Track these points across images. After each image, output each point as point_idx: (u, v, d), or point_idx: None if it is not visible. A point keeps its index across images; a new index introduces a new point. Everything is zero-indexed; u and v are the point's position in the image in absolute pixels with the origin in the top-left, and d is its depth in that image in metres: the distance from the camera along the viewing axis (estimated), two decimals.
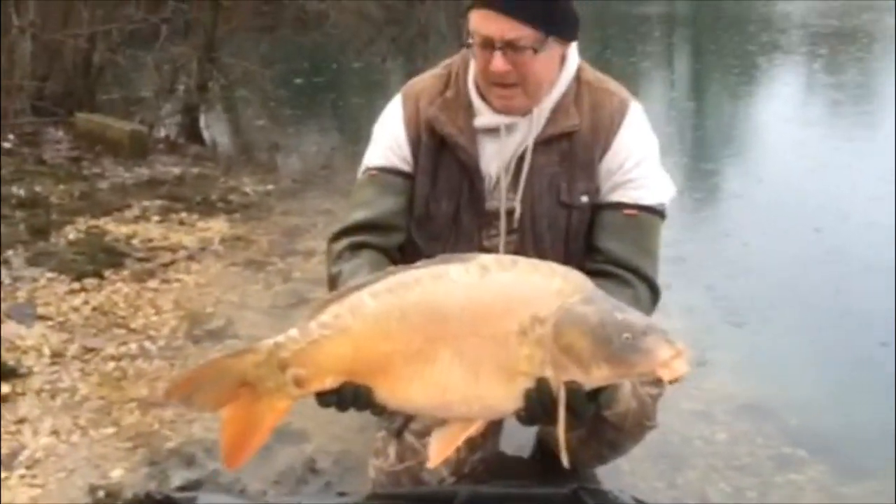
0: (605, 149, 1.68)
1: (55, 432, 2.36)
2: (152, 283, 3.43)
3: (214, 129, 6.68)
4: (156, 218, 4.23)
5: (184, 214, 4.30)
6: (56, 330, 2.98)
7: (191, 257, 3.74)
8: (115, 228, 4.03)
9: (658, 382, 1.29)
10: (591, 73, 1.75)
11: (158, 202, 4.46)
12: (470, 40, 1.62)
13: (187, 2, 6.73)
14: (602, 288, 1.28)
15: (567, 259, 1.60)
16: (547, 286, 1.20)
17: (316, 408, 1.29)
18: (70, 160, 5.23)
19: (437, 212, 1.72)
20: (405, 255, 1.73)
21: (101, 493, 2.07)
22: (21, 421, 2.41)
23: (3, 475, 2.15)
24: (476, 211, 1.71)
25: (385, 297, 1.22)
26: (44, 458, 2.23)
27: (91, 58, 6.25)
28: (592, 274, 1.53)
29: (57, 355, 2.79)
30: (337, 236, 1.75)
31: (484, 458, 1.79)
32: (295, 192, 4.90)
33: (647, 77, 8.99)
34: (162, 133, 6.21)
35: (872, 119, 6.58)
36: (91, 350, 2.84)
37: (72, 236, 3.90)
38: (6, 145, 5.33)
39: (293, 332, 1.26)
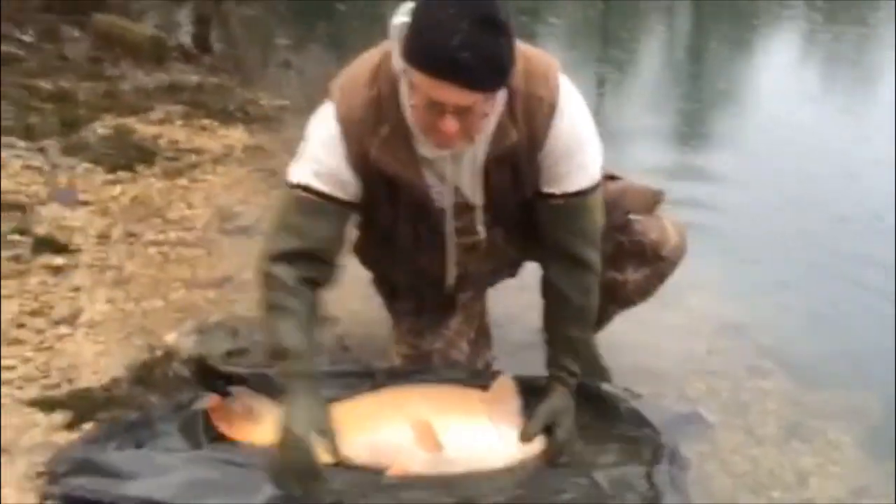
0: (540, 148, 1.75)
1: (110, 301, 2.61)
2: (182, 181, 3.66)
3: (226, 42, 6.78)
4: (179, 122, 4.42)
5: (205, 121, 4.49)
6: (98, 215, 3.21)
7: (215, 161, 3.96)
8: (141, 128, 4.22)
9: None
10: (520, 74, 1.66)
11: (180, 107, 4.64)
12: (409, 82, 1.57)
13: None
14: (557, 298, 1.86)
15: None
16: None
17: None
18: (90, 59, 5.36)
19: (397, 234, 1.85)
20: (368, 240, 1.97)
21: (158, 353, 2.34)
22: (77, 289, 2.65)
23: (68, 331, 2.41)
24: (436, 233, 1.84)
25: None
26: (103, 321, 2.49)
27: None
28: (548, 259, 1.88)
29: (102, 237, 3.03)
30: (272, 259, 1.73)
31: None
32: (308, 110, 5.06)
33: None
34: (176, 42, 6.32)
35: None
36: (133, 235, 3.08)
37: (101, 132, 4.09)
38: (27, 38, 5.44)
39: None
